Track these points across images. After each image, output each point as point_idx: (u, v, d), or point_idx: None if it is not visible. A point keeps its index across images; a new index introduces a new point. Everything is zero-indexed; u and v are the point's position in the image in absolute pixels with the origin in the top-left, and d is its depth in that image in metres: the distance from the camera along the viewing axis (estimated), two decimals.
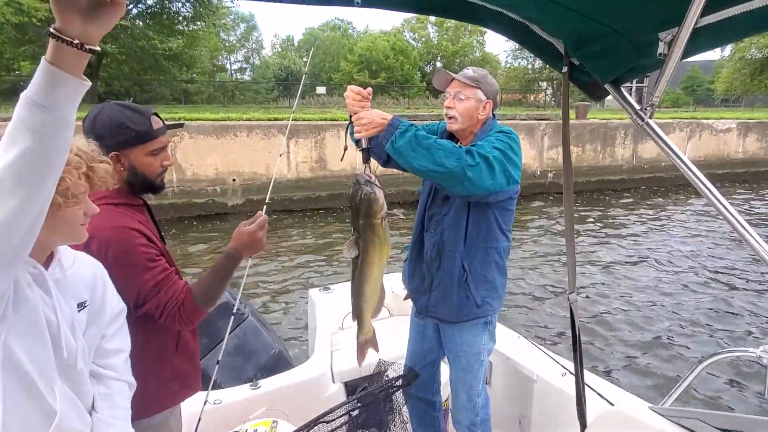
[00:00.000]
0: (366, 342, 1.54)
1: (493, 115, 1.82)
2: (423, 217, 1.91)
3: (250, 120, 10.86)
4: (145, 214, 1.42)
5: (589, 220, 10.82)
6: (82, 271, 1.12)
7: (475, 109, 1.74)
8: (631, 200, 13.27)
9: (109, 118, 1.29)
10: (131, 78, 22.12)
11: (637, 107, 1.23)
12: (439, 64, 32.98)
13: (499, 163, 1.57)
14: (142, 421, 1.32)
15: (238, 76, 35.39)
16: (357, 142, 1.54)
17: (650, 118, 1.21)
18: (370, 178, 1.36)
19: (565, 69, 1.35)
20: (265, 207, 1.61)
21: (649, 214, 11.54)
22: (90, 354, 1.14)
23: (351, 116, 1.54)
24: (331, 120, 11.90)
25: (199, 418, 1.67)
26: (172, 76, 22.51)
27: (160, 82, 22.56)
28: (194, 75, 25.39)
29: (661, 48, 1.03)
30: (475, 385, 1.92)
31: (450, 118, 1.77)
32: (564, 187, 1.54)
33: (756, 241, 1.07)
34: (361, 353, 1.55)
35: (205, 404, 1.72)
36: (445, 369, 2.23)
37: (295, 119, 11.44)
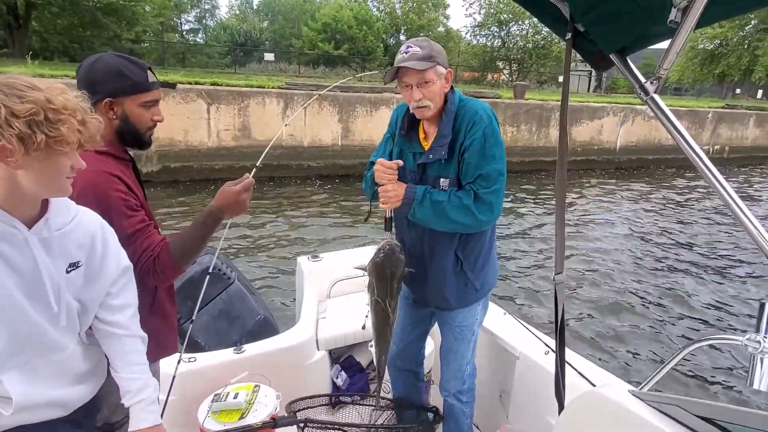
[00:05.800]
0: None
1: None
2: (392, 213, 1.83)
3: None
4: (130, 170, 1.41)
5: (529, 198, 11.10)
6: (79, 230, 1.09)
7: (442, 86, 1.61)
8: (569, 182, 13.61)
9: (107, 65, 1.31)
10: (69, 34, 20.82)
11: (643, 80, 1.14)
12: (403, 38, 32.41)
13: (503, 183, 1.61)
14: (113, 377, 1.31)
15: (190, 38, 33.68)
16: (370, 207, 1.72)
17: (656, 92, 1.13)
18: (399, 245, 1.59)
19: (568, 36, 1.25)
20: (254, 170, 1.65)
21: (590, 195, 11.92)
22: (89, 314, 1.16)
23: (377, 185, 1.64)
24: (257, 87, 11.59)
25: (173, 377, 1.64)
26: (114, 33, 21.27)
27: (101, 41, 21.29)
28: (140, 34, 24.04)
29: (674, 15, 0.95)
30: (466, 354, 1.92)
31: (422, 107, 1.60)
32: (558, 163, 1.46)
33: (752, 224, 1.01)
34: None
35: (179, 363, 1.69)
36: (428, 341, 2.24)
37: (216, 84, 11.10)
